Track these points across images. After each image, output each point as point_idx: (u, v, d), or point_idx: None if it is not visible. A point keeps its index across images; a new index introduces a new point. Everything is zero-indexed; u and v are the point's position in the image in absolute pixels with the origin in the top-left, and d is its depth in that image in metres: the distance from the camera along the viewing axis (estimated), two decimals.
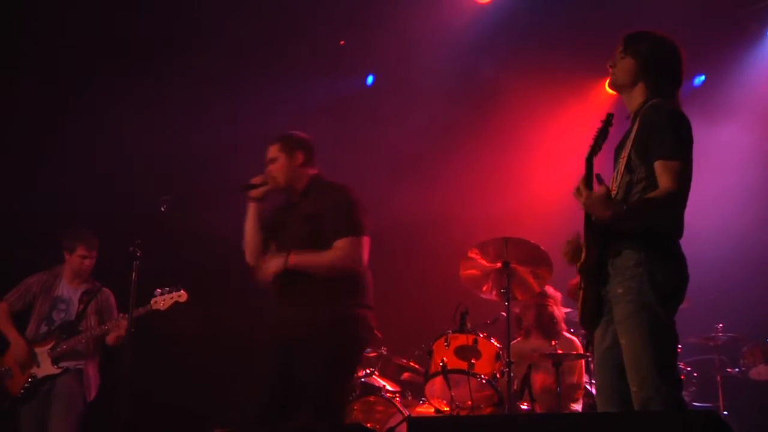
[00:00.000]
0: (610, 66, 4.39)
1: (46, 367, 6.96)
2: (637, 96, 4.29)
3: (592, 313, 4.21)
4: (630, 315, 3.98)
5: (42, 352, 6.97)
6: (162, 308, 6.64)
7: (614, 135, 4.33)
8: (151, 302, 6.65)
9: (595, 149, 4.14)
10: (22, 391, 6.94)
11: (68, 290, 7.26)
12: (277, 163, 5.66)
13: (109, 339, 6.95)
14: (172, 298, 6.65)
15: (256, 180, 5.64)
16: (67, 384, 6.99)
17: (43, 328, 7.09)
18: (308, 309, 5.33)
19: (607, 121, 4.16)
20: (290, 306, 5.43)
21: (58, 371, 6.95)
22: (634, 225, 4.04)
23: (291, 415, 5.26)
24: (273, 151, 5.71)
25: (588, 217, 4.13)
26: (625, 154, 4.17)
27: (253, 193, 5.62)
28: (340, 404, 5.35)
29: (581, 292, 4.25)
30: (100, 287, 7.34)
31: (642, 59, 4.27)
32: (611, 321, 4.11)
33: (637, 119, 4.18)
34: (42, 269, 7.38)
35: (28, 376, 6.94)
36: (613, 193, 4.15)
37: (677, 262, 4.09)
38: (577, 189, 4.05)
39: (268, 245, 5.68)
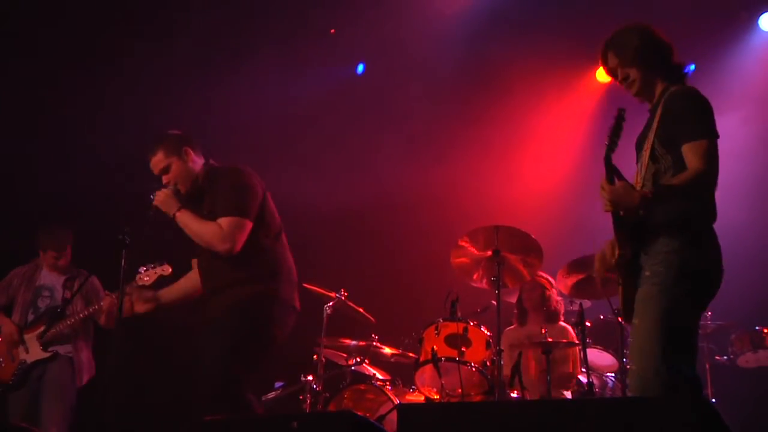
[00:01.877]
0: (624, 84, 4.38)
1: (35, 352, 7.02)
2: (657, 89, 4.31)
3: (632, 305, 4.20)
4: (650, 296, 3.98)
5: (30, 338, 7.03)
6: (147, 283, 6.41)
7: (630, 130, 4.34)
8: (137, 279, 6.43)
9: (611, 146, 4.07)
10: (12, 378, 6.98)
11: (50, 278, 7.34)
12: (172, 170, 5.58)
13: (101, 320, 6.78)
14: (156, 272, 6.41)
15: (157, 199, 5.51)
16: (57, 370, 7.05)
17: (30, 316, 7.17)
18: (211, 294, 5.55)
19: (620, 117, 4.09)
20: (205, 293, 5.67)
21: (47, 355, 7.01)
22: (665, 210, 4.03)
23: None
24: (159, 159, 5.60)
25: (616, 215, 4.09)
26: (648, 145, 4.16)
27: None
28: (228, 384, 5.21)
29: (620, 288, 4.24)
30: (83, 273, 7.34)
31: (641, 58, 4.28)
32: None
33: (658, 109, 4.18)
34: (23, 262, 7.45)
35: (18, 363, 6.99)
36: (638, 186, 4.15)
37: (712, 251, 4.08)
38: (601, 187, 4.02)
39: None
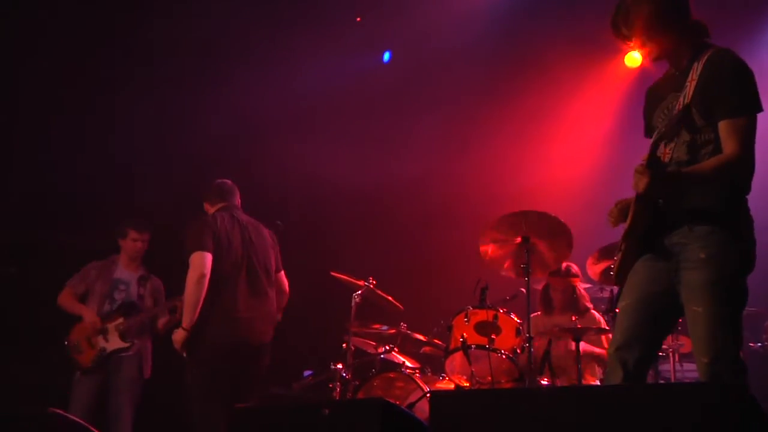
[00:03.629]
0: (641, 51, 4.20)
1: (114, 342, 7.31)
2: (684, 49, 4.11)
3: (628, 272, 4.13)
4: (714, 282, 3.84)
5: (111, 327, 7.32)
6: None
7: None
8: None
9: (663, 137, 3.97)
10: (92, 363, 7.26)
11: (126, 273, 7.62)
12: None
13: (159, 324, 7.43)
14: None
15: None
16: (130, 363, 7.35)
17: (107, 307, 7.44)
18: None
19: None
20: None
21: (126, 345, 7.32)
22: (704, 193, 3.92)
23: None
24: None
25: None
26: (680, 108, 3.97)
27: None
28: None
29: (620, 254, 4.14)
30: (150, 274, 7.71)
31: (656, 24, 4.06)
32: (668, 271, 3.99)
33: (691, 72, 4.00)
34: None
35: (98, 350, 7.27)
36: (666, 156, 4.02)
37: (751, 228, 3.99)
38: (639, 171, 3.88)
39: None
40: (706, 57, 4.02)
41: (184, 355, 6.31)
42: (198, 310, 6.21)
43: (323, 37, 9.14)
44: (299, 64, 9.09)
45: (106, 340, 7.28)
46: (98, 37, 8.67)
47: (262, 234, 6.73)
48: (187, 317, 6.22)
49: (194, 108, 8.97)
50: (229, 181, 6.88)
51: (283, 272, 6.88)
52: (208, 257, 6.27)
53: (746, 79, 3.98)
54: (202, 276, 6.20)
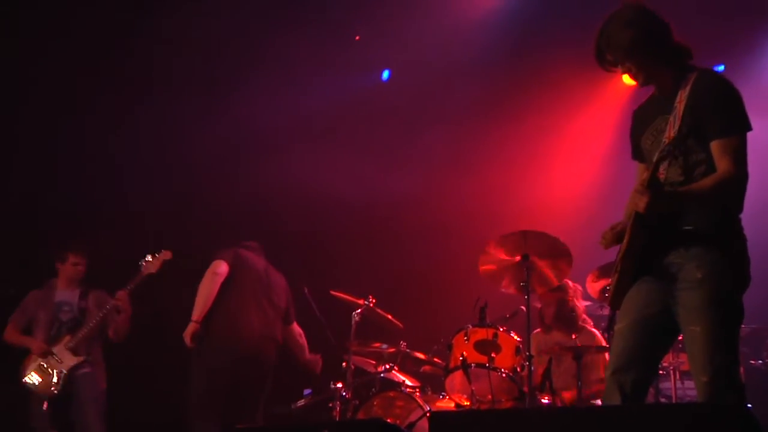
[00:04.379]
0: (630, 74, 4.21)
1: (67, 359, 7.32)
2: (668, 72, 4.14)
3: (624, 294, 4.12)
4: (710, 302, 3.84)
5: (60, 349, 7.35)
6: (153, 271, 7.38)
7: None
8: (142, 268, 7.40)
9: (667, 155, 3.95)
10: (55, 388, 7.26)
11: (66, 294, 7.67)
12: None
13: (110, 332, 7.54)
14: (158, 259, 7.41)
15: None
16: (87, 383, 7.36)
17: (53, 331, 7.48)
18: None
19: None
20: None
21: (80, 359, 7.33)
22: (700, 212, 3.93)
23: None
24: None
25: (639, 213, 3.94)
26: (671, 131, 3.99)
27: None
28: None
29: (616, 275, 4.12)
30: (92, 286, 7.75)
31: (639, 50, 4.09)
32: (665, 292, 3.98)
33: (679, 93, 4.02)
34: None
35: (57, 374, 7.28)
36: (662, 176, 4.00)
37: (745, 245, 4.00)
38: (638, 191, 3.88)
39: None
40: (692, 79, 4.05)
41: (191, 346, 6.85)
42: (208, 305, 6.87)
43: (325, 53, 9.15)
44: (300, 79, 9.11)
45: (60, 362, 7.30)
46: (103, 41, 8.69)
47: (279, 277, 7.39)
48: (197, 310, 6.86)
49: (196, 118, 8.99)
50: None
51: (296, 324, 7.50)
52: (224, 265, 7.03)
53: (734, 99, 4.02)
54: (215, 274, 6.95)
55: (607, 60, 4.21)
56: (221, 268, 6.98)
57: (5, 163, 8.64)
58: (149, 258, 7.40)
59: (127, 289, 7.33)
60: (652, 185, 3.87)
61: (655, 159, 3.98)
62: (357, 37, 9.48)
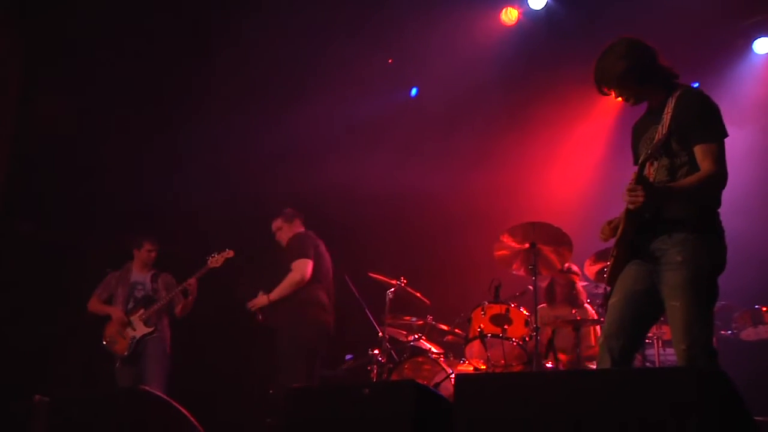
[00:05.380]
0: (623, 99, 4.27)
1: (140, 329, 7.49)
2: (658, 91, 4.18)
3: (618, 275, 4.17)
4: (689, 281, 3.88)
5: (135, 319, 7.53)
6: (217, 265, 7.48)
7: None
8: (208, 262, 7.48)
9: (650, 157, 4.03)
10: (127, 350, 7.44)
11: (140, 276, 7.80)
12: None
13: (177, 310, 7.65)
14: (222, 256, 7.50)
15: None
16: (156, 343, 7.52)
17: (130, 304, 7.62)
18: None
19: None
20: None
21: (150, 329, 7.49)
22: (685, 204, 3.97)
23: None
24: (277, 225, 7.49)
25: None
26: (659, 138, 4.02)
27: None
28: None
29: (612, 259, 4.17)
30: (161, 271, 7.89)
31: (631, 79, 4.15)
32: (651, 272, 4.02)
33: (666, 107, 4.05)
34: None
35: (129, 339, 7.45)
36: (651, 178, 4.04)
37: (722, 234, 4.03)
38: (631, 188, 3.89)
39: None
40: (677, 94, 4.09)
41: (259, 317, 7.17)
42: (285, 296, 7.03)
43: (365, 72, 9.16)
44: (345, 93, 9.09)
45: (134, 330, 7.47)
46: (164, 58, 8.72)
47: (328, 257, 7.43)
48: (276, 295, 7.05)
49: (252, 128, 9.04)
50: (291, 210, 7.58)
51: None
52: (310, 264, 7.07)
53: (713, 111, 4.08)
54: (302, 280, 7.01)
55: (604, 90, 4.26)
56: (307, 271, 7.03)
57: (100, 171, 8.77)
58: (215, 255, 7.49)
59: (195, 277, 7.47)
60: (641, 181, 3.90)
61: (641, 159, 4.03)
62: (390, 60, 9.47)
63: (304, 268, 7.03)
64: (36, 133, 8.51)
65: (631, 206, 3.94)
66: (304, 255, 7.09)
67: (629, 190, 3.91)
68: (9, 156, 8.44)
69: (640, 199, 3.86)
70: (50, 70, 8.53)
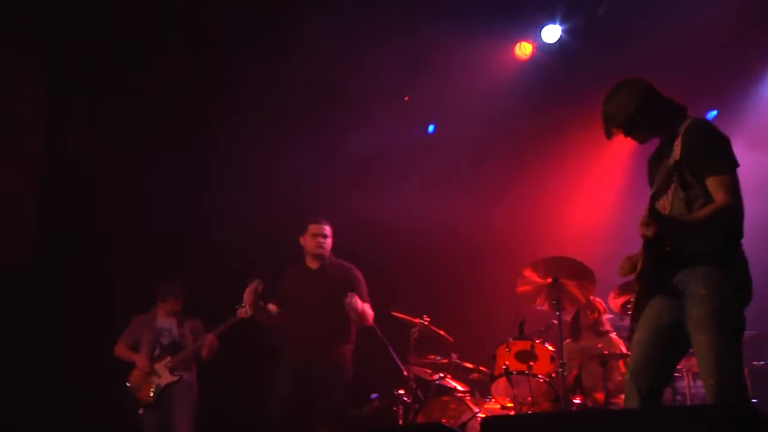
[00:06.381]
0: (631, 138, 4.27)
1: (166, 377, 7.47)
2: (667, 124, 4.16)
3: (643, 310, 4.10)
4: (713, 314, 3.82)
5: (160, 366, 7.50)
6: (249, 315, 6.89)
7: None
8: (238, 312, 7.08)
9: (659, 193, 4.01)
10: (151, 397, 7.41)
11: (166, 322, 7.76)
12: (329, 239, 6.86)
13: (204, 353, 7.55)
14: (249, 293, 6.78)
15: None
16: (182, 390, 7.48)
17: (156, 351, 7.60)
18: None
19: (671, 172, 3.98)
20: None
21: (176, 378, 7.46)
22: (703, 237, 3.92)
23: None
24: (328, 229, 6.89)
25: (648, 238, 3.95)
26: (671, 171, 3.98)
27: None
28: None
29: (635, 294, 4.12)
30: (188, 315, 7.84)
31: (641, 120, 4.15)
32: (676, 306, 3.96)
33: (676, 140, 4.01)
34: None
35: (153, 386, 7.43)
36: (666, 210, 4.01)
37: (746, 266, 3.96)
38: (644, 222, 3.86)
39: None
40: (685, 126, 4.07)
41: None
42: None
43: (382, 107, 9.16)
44: (364, 127, 9.08)
45: (159, 377, 7.46)
46: (202, 75, 8.80)
47: None
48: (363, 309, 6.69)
49: (274, 160, 9.01)
50: None
51: None
52: None
53: (720, 142, 4.04)
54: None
55: (612, 132, 4.26)
56: None
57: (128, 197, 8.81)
58: (243, 304, 6.90)
59: (220, 332, 7.45)
60: (653, 215, 3.86)
61: (651, 192, 4.00)
62: (406, 98, 9.48)
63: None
64: (65, 156, 8.57)
65: (643, 237, 3.91)
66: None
67: (641, 223, 3.88)
68: (38, 178, 8.56)
69: (651, 231, 3.83)
70: (80, 97, 8.57)
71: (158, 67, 8.57)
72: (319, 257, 6.88)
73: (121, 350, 7.72)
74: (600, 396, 6.65)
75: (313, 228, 6.90)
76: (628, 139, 4.30)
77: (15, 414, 7.66)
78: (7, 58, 8.15)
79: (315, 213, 7.07)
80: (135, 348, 7.70)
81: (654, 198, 4.00)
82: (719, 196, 3.89)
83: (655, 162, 4.28)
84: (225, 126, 9.00)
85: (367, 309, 6.76)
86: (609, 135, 4.27)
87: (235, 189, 8.98)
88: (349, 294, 6.61)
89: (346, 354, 6.72)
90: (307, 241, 6.92)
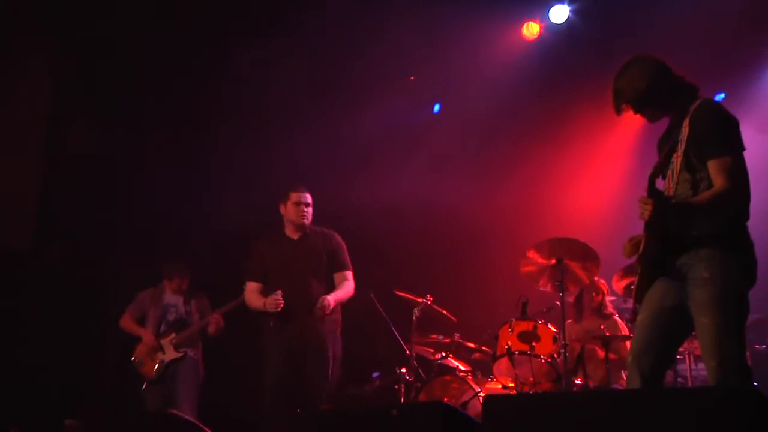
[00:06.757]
0: (642, 116, 4.23)
1: (170, 353, 7.48)
2: (676, 104, 4.10)
3: (645, 292, 4.09)
4: (717, 297, 3.80)
5: (165, 343, 7.51)
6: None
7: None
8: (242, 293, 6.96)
9: (657, 172, 3.93)
10: (155, 373, 7.44)
11: (173, 298, 7.74)
12: (311, 209, 6.51)
13: (211, 329, 7.52)
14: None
15: None
16: (187, 367, 7.49)
17: (162, 327, 7.60)
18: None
19: (669, 153, 3.98)
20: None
21: (180, 355, 7.47)
22: (704, 220, 3.89)
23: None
24: (309, 197, 6.53)
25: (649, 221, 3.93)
26: (679, 153, 3.96)
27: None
28: None
29: (638, 276, 4.09)
30: (196, 291, 7.81)
31: (652, 97, 4.10)
32: (679, 289, 3.94)
33: (684, 121, 3.98)
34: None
35: (157, 361, 7.45)
36: (670, 191, 4.00)
37: (752, 248, 3.94)
38: (642, 201, 3.86)
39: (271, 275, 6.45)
40: (695, 107, 4.02)
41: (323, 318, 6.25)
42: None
43: (388, 89, 9.12)
44: (367, 110, 9.04)
45: (164, 353, 7.47)
46: (208, 67, 8.78)
47: None
48: (337, 301, 6.35)
49: (278, 144, 9.03)
50: None
51: None
52: None
53: (728, 124, 3.98)
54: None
55: (622, 108, 4.20)
56: None
57: (131, 190, 8.83)
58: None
59: (220, 312, 7.45)
60: (652, 195, 3.85)
61: (651, 172, 3.96)
62: (412, 78, 9.45)
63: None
64: (67, 155, 8.56)
65: (641, 217, 3.90)
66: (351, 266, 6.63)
67: (641, 202, 3.88)
68: (40, 178, 8.53)
69: (647, 212, 3.82)
70: (82, 96, 8.57)
71: (158, 67, 8.57)
72: (301, 227, 6.49)
73: (127, 322, 7.71)
74: (600, 376, 6.66)
75: (294, 196, 6.46)
76: (637, 117, 4.25)
77: (15, 414, 7.58)
78: (7, 58, 8.13)
79: (294, 181, 6.71)
80: (140, 321, 7.70)
81: (652, 175, 3.96)
82: (718, 180, 3.86)
83: (664, 142, 4.24)
84: (226, 113, 9.01)
85: (345, 287, 6.47)
86: (618, 111, 4.22)
87: (237, 172, 8.98)
88: (319, 299, 6.25)
89: (335, 323, 6.41)
90: (288, 210, 6.48)
